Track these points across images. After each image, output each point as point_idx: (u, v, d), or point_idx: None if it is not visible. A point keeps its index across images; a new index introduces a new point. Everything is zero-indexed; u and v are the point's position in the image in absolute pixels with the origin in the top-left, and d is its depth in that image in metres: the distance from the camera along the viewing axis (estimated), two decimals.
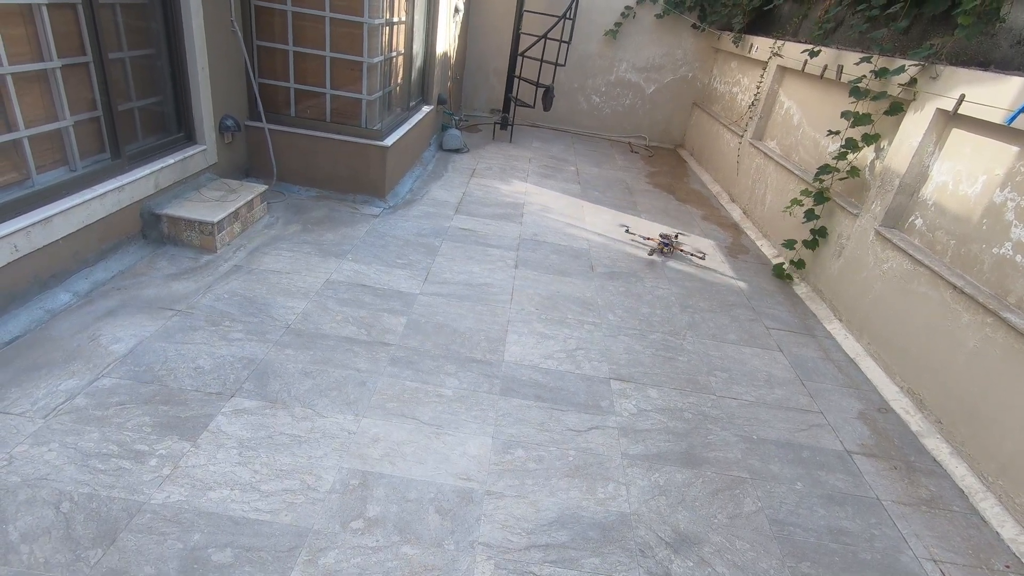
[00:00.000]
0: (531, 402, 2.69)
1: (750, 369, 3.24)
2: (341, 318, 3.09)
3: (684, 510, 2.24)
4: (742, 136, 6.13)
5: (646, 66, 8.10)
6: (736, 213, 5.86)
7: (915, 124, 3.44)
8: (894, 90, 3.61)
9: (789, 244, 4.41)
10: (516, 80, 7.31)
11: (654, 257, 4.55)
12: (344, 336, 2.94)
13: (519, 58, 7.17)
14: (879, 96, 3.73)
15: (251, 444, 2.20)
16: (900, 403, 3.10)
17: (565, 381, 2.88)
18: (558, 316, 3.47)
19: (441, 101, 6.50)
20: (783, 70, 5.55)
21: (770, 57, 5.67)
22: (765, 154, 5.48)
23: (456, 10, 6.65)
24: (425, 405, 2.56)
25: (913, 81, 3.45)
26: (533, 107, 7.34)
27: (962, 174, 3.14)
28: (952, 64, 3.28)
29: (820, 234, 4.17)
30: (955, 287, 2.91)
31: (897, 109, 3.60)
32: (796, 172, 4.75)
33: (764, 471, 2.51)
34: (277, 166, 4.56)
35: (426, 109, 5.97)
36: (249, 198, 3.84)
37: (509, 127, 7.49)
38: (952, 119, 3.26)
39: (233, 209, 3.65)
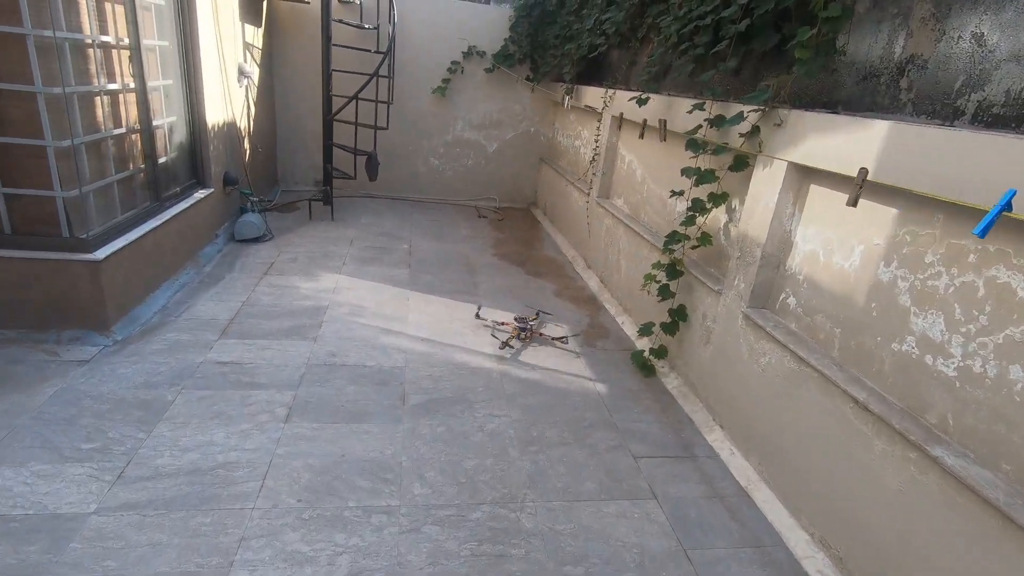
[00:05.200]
0: None
1: (615, 548, 2.24)
2: None
3: None
4: (589, 194, 5.46)
5: (483, 123, 7.40)
6: (593, 282, 5.09)
7: (766, 181, 2.77)
8: (736, 141, 2.96)
9: (647, 329, 3.60)
10: (334, 148, 6.23)
11: (505, 352, 3.67)
12: None
13: (334, 123, 6.13)
14: (720, 149, 3.08)
15: None
16: (815, 563, 2.25)
17: None
18: (332, 508, 2.28)
19: (229, 181, 5.23)
20: (619, 121, 4.96)
21: (603, 107, 5.09)
22: (613, 214, 4.79)
23: (241, 73, 5.49)
24: None
25: (756, 130, 2.80)
26: (355, 178, 6.28)
27: (833, 242, 2.46)
28: (796, 107, 2.66)
29: (679, 315, 3.40)
30: (856, 401, 2.14)
31: (743, 163, 2.94)
32: (646, 236, 4.04)
33: None
34: None
35: (200, 194, 4.67)
36: None
37: (331, 202, 6.35)
38: (808, 174, 2.61)
39: None
